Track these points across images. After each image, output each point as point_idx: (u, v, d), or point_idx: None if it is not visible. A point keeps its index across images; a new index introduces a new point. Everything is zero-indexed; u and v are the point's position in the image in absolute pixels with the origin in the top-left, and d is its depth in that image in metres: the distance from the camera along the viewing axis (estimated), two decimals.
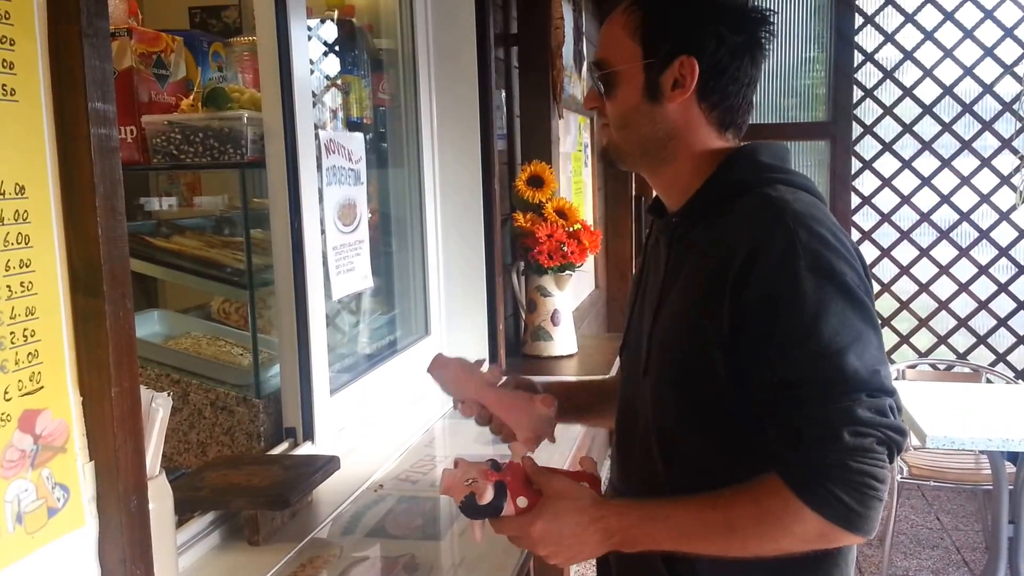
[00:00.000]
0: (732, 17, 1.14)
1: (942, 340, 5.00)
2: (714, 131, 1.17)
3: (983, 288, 4.91)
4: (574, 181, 3.83)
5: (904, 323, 5.02)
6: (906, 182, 4.97)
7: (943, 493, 4.51)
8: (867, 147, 5.03)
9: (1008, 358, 4.94)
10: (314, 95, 1.98)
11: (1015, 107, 4.81)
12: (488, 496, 1.09)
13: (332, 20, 2.38)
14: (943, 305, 4.96)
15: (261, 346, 1.92)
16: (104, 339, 1.01)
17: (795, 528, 1.01)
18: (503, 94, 2.89)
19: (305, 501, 1.65)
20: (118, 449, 1.03)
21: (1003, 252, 4.88)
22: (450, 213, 2.74)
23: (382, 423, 2.19)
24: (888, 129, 4.98)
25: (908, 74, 4.93)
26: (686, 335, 1.11)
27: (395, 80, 2.62)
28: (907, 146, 4.97)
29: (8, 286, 0.93)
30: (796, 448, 1.01)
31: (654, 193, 1.28)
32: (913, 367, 4.20)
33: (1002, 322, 4.92)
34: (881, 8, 4.90)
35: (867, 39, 4.95)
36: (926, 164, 4.95)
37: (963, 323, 4.96)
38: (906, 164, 4.96)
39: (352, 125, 2.36)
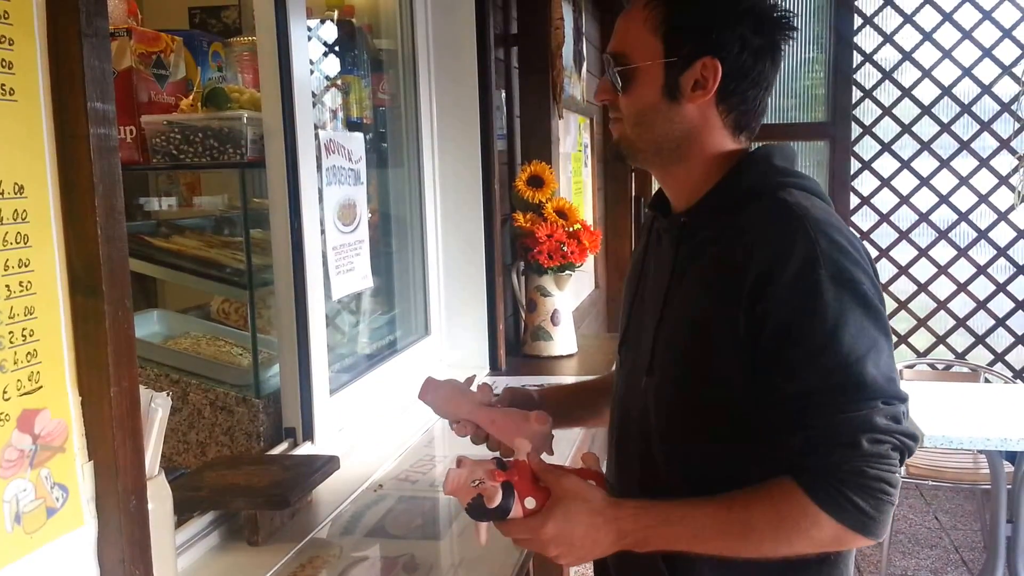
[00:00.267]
0: (756, 19, 1.12)
1: (941, 340, 5.00)
2: (729, 133, 1.17)
3: (982, 288, 4.92)
4: (574, 181, 3.83)
5: (903, 323, 5.02)
6: (905, 182, 4.97)
7: (941, 492, 4.51)
8: (866, 147, 5.03)
9: (1006, 358, 4.94)
10: (314, 95, 1.98)
11: (1013, 108, 4.81)
12: (497, 499, 1.06)
13: (332, 20, 2.37)
14: (942, 305, 4.96)
15: (261, 346, 1.92)
16: (103, 339, 1.00)
17: (812, 532, 1.01)
18: (503, 94, 2.89)
19: (305, 501, 1.65)
20: (117, 449, 1.03)
21: (1001, 252, 4.89)
22: (450, 213, 2.73)
23: (382, 423, 2.18)
24: (887, 129, 4.99)
25: (907, 75, 4.93)
26: (697, 337, 1.11)
27: (395, 80, 2.62)
28: (906, 146, 4.98)
29: (7, 286, 0.93)
30: (814, 454, 1.01)
31: (654, 191, 1.27)
32: (912, 367, 4.21)
33: (1000, 322, 4.92)
34: (880, 9, 4.90)
35: (866, 40, 4.96)
36: (925, 164, 4.95)
37: (962, 323, 4.96)
38: (905, 164, 4.97)
39: (352, 125, 2.36)
